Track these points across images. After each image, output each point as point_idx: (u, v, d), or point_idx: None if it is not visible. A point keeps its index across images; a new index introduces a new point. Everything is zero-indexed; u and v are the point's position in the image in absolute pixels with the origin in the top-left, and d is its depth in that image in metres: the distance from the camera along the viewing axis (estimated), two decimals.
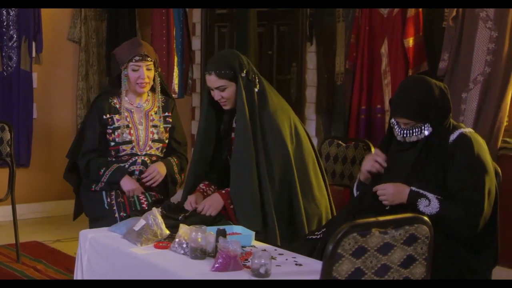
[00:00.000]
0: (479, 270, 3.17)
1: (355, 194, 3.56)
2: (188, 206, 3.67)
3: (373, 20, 5.37)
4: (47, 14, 6.49)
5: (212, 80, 3.62)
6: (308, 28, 6.00)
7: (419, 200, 3.13)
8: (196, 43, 6.94)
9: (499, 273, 3.78)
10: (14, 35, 6.30)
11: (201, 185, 3.81)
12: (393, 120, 3.30)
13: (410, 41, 5.14)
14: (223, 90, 3.62)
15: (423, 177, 3.18)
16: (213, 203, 3.58)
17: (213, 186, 3.83)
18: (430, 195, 3.13)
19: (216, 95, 3.64)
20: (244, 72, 3.61)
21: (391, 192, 3.19)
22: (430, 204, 3.12)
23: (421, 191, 3.15)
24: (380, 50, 5.34)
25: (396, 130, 3.28)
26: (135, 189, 4.15)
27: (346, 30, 5.62)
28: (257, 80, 3.66)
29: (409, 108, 3.20)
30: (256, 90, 3.64)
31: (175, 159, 4.34)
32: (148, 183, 4.19)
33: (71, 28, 6.76)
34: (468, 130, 3.23)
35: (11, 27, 6.28)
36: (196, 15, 6.95)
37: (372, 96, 5.42)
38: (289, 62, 6.24)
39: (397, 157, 3.32)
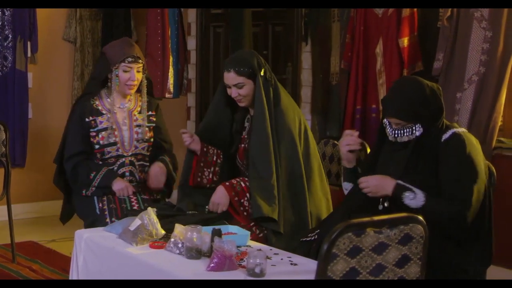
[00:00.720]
0: (473, 270, 3.17)
1: (345, 189, 3.59)
2: (185, 136, 3.84)
3: (368, 20, 5.37)
4: (42, 14, 6.49)
5: (231, 77, 3.67)
6: (303, 28, 6.00)
7: (404, 193, 3.14)
8: (191, 43, 6.93)
9: (494, 272, 3.79)
10: (9, 35, 6.29)
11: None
12: (385, 120, 3.30)
13: (405, 41, 5.14)
14: (240, 88, 3.67)
15: (416, 177, 3.18)
16: (221, 200, 3.62)
17: (216, 150, 3.90)
18: (416, 189, 3.13)
19: (233, 92, 3.69)
20: (263, 71, 3.65)
21: (374, 184, 3.22)
22: (415, 198, 3.12)
23: (408, 185, 3.15)
24: (375, 50, 5.35)
25: (388, 130, 3.29)
26: (126, 186, 4.08)
27: (341, 30, 5.63)
28: (273, 81, 3.72)
29: (400, 108, 3.20)
30: (271, 89, 3.70)
31: (167, 157, 4.30)
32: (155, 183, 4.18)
33: (66, 28, 6.76)
34: (462, 129, 3.23)
35: (6, 27, 6.28)
36: (191, 15, 6.95)
37: (367, 96, 5.42)
38: (284, 62, 6.24)
39: (389, 158, 3.33)
